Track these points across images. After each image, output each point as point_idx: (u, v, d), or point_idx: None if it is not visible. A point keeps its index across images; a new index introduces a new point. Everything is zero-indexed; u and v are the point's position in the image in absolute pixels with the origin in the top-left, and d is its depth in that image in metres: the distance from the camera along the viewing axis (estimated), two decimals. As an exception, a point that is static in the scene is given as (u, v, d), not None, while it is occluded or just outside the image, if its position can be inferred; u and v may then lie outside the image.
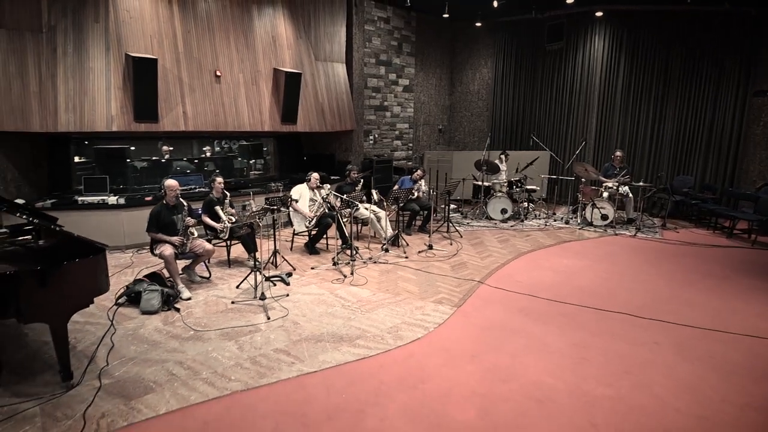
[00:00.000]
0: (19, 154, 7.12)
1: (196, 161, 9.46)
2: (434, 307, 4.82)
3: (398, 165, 11.91)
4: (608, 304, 5.02)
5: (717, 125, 9.72)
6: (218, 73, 8.00)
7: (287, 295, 5.11)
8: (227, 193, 6.18)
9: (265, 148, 10.64)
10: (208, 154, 10.29)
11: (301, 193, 6.73)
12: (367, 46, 11.39)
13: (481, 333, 4.26)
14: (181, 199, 5.25)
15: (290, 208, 6.61)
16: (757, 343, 4.18)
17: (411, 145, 13.17)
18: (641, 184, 8.62)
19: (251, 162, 10.57)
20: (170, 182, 5.11)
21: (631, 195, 9.03)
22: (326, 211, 6.69)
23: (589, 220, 8.76)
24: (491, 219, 9.23)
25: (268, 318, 4.47)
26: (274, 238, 6.13)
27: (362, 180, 7.78)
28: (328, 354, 3.78)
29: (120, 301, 4.80)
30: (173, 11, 7.53)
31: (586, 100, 11.01)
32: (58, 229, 3.84)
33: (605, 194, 8.76)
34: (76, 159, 8.17)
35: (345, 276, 5.76)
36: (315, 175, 6.68)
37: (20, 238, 3.96)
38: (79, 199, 7.04)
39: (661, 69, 10.17)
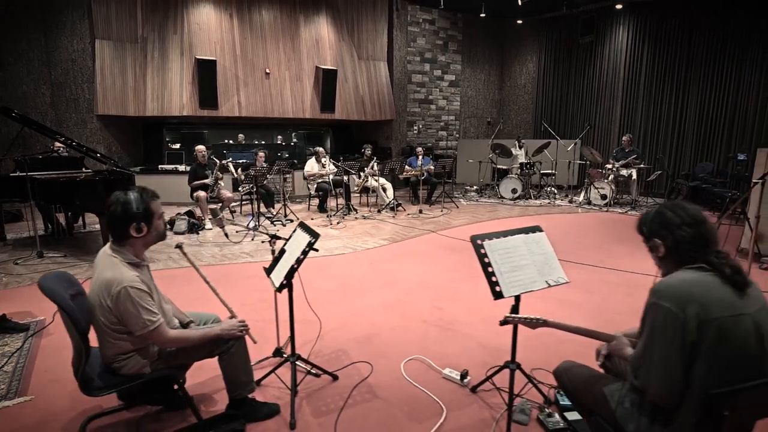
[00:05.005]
0: (122, 134, 9.71)
1: (269, 146, 11.75)
2: (376, 241, 6.28)
3: (442, 153, 13.28)
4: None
5: (740, 111, 9.62)
6: (267, 71, 10.05)
7: (277, 230, 6.88)
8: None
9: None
10: (279, 141, 12.50)
11: (312, 165, 8.49)
12: (412, 45, 12.89)
13: (393, 255, 5.65)
14: (212, 159, 7.25)
15: (305, 176, 8.42)
16: (612, 273, 5.04)
17: (457, 135, 14.35)
18: (641, 166, 9.17)
19: (311, 147, 12.58)
20: (198, 147, 7.14)
21: (635, 177, 9.48)
22: (333, 175, 8.33)
23: (589, 199, 9.46)
24: (502, 197, 10.24)
25: (252, 239, 6.26)
26: (283, 194, 7.94)
27: (375, 158, 9.32)
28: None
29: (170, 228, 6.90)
30: (233, 23, 9.69)
31: (612, 89, 11.49)
32: (117, 169, 5.93)
33: (611, 176, 9.37)
34: (168, 140, 10.70)
35: (331, 223, 7.39)
36: (321, 150, 8.39)
37: (98, 177, 6.14)
38: (160, 166, 9.45)
39: (684, 55, 10.30)
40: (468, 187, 11.80)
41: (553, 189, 10.62)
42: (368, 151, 9.41)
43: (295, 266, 2.36)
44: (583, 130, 12.28)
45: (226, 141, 11.45)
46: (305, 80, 10.61)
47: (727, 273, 1.40)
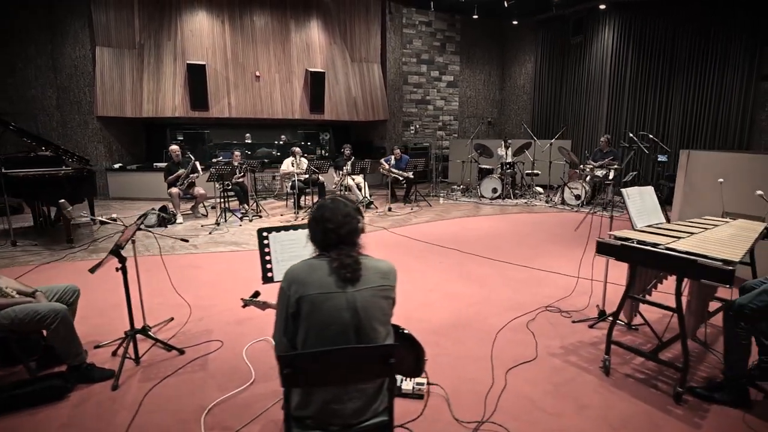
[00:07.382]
0: (122, 134, 10.49)
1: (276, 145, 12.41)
2: (323, 236, 6.68)
3: (437, 153, 13.55)
4: (459, 246, 6.32)
5: (723, 111, 9.59)
6: (257, 74, 10.60)
7: (240, 225, 7.40)
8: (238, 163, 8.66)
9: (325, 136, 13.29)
10: (282, 141, 13.07)
11: (288, 164, 8.98)
12: (408, 47, 13.19)
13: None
14: (187, 156, 7.83)
15: (280, 174, 8.92)
16: (522, 270, 5.27)
17: (456, 135, 14.55)
18: (616, 166, 9.23)
19: (310, 146, 13.11)
20: (172, 147, 7.73)
21: (611, 177, 9.50)
22: (305, 174, 8.78)
23: (563, 200, 9.57)
24: (482, 196, 10.44)
25: (210, 233, 6.80)
26: (255, 191, 8.45)
27: (353, 156, 9.72)
28: (218, 247, 5.97)
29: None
30: (225, 28, 10.29)
31: (599, 89, 11.49)
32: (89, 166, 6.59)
33: (587, 177, 9.46)
34: (180, 139, 11.39)
35: (296, 219, 7.86)
36: (297, 149, 8.86)
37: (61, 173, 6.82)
38: (155, 164, 10.16)
39: (668, 55, 10.31)
40: (455, 186, 12.04)
41: (538, 189, 10.76)
42: (347, 151, 9.82)
43: (114, 250, 2.82)
44: (573, 129, 12.35)
45: (234, 141, 12.04)
46: (295, 83, 11.11)
47: (334, 266, 1.75)
